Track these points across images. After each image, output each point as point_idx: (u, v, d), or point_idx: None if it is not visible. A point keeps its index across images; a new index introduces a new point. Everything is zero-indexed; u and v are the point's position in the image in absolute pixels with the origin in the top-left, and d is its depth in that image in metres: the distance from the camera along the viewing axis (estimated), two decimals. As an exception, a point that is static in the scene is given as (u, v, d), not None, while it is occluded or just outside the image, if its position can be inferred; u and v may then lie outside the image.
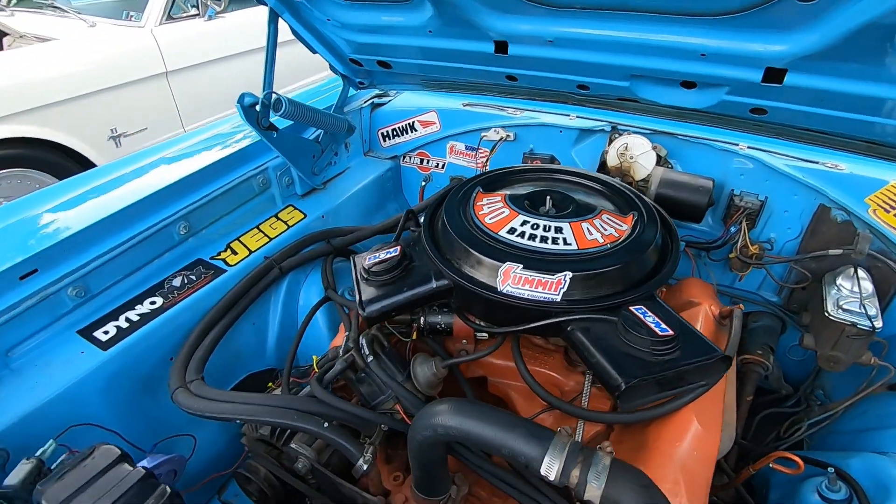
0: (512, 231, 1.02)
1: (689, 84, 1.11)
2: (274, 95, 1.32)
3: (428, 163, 1.88)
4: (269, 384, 1.29)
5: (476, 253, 0.97)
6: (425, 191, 1.91)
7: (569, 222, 1.04)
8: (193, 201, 1.32)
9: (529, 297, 0.91)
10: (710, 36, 0.96)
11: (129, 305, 1.18)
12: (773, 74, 0.96)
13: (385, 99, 1.82)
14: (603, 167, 1.49)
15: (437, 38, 1.24)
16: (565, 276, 0.91)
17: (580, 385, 1.04)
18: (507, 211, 1.08)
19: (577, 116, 1.51)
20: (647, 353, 0.83)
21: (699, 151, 1.42)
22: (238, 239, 1.42)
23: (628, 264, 0.95)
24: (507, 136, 1.61)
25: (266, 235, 1.45)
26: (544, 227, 1.02)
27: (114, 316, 1.15)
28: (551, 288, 0.91)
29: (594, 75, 1.19)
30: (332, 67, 1.57)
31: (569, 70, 1.21)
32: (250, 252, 1.39)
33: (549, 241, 0.99)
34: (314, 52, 1.50)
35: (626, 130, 1.46)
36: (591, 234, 1.02)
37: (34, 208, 1.26)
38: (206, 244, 1.37)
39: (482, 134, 1.65)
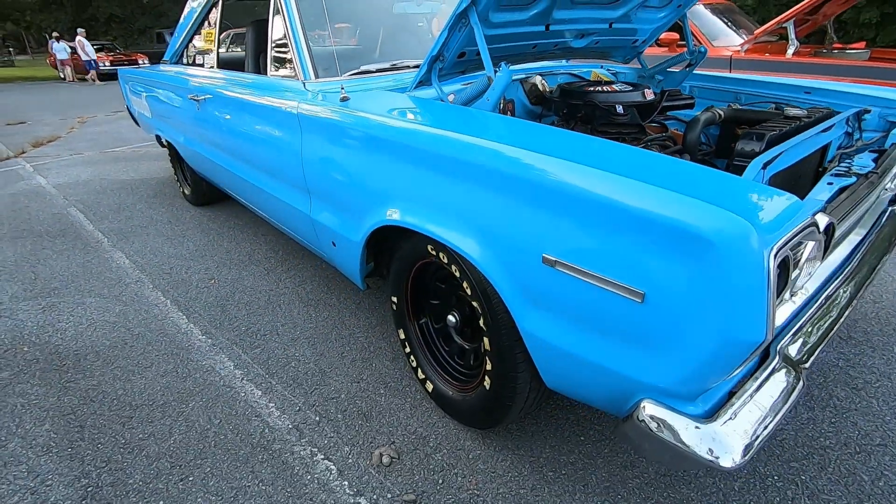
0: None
1: (582, 35, 2.23)
2: None
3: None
4: None
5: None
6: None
7: None
8: None
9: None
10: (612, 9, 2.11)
11: None
12: (613, 23, 2.21)
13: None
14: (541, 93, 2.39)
15: (526, 27, 1.71)
16: None
17: None
18: None
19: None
20: None
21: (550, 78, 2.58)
22: None
23: None
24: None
25: None
26: None
27: None
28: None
29: (571, 37, 2.07)
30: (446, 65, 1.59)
31: (562, 35, 2.00)
32: None
33: None
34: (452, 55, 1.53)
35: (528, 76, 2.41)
36: None
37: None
38: None
39: None
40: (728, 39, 4.19)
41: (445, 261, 1.36)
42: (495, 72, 1.47)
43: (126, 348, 2.01)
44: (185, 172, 3.70)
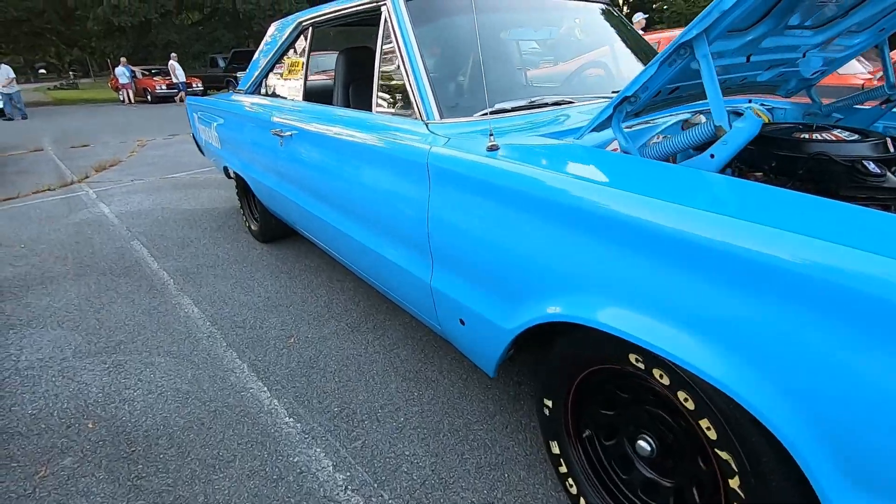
0: None
1: (769, 67, 1.85)
2: None
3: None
4: None
5: None
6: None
7: None
8: None
9: None
10: (815, 35, 1.72)
11: None
12: (807, 52, 1.84)
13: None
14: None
15: (728, 59, 1.41)
16: None
17: None
18: None
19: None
20: None
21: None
22: None
23: None
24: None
25: None
26: None
27: None
28: None
29: (762, 69, 1.70)
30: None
31: (756, 67, 1.65)
32: None
33: None
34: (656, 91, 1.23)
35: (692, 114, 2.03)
36: None
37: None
38: None
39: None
40: (851, 67, 3.72)
41: (666, 382, 0.98)
42: (729, 123, 1.11)
43: (203, 431, 1.70)
44: (252, 208, 3.47)
